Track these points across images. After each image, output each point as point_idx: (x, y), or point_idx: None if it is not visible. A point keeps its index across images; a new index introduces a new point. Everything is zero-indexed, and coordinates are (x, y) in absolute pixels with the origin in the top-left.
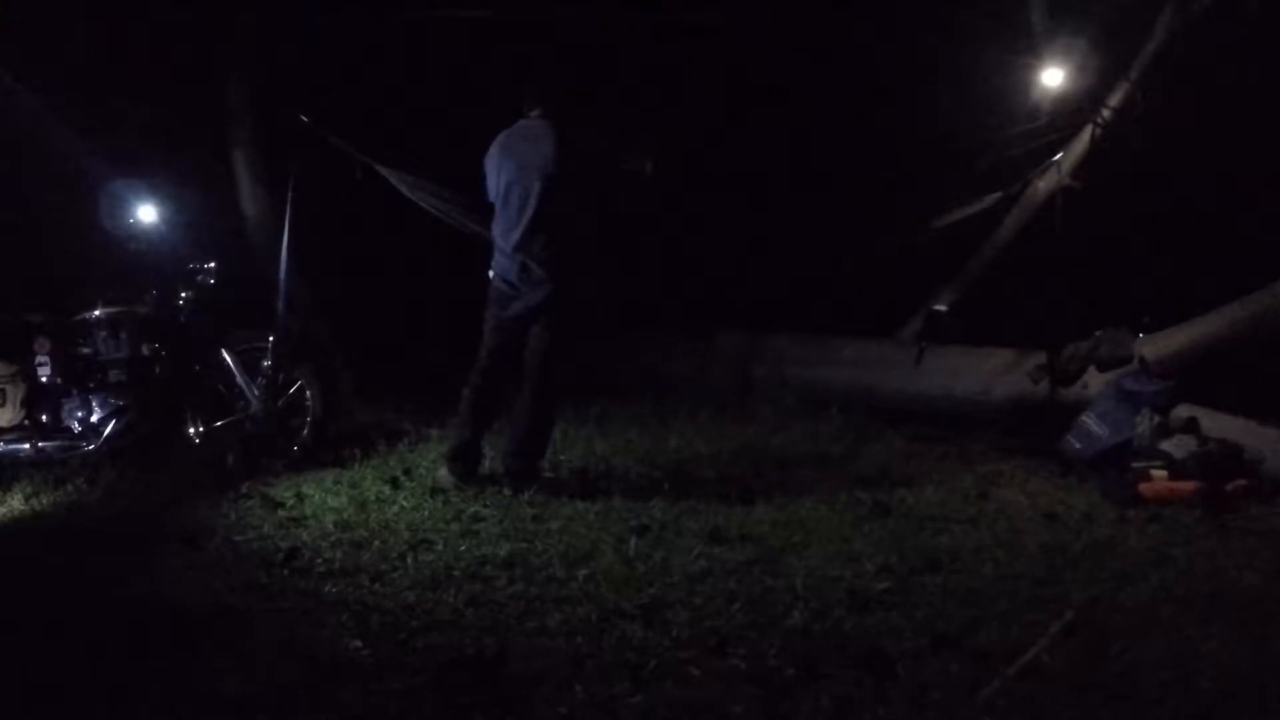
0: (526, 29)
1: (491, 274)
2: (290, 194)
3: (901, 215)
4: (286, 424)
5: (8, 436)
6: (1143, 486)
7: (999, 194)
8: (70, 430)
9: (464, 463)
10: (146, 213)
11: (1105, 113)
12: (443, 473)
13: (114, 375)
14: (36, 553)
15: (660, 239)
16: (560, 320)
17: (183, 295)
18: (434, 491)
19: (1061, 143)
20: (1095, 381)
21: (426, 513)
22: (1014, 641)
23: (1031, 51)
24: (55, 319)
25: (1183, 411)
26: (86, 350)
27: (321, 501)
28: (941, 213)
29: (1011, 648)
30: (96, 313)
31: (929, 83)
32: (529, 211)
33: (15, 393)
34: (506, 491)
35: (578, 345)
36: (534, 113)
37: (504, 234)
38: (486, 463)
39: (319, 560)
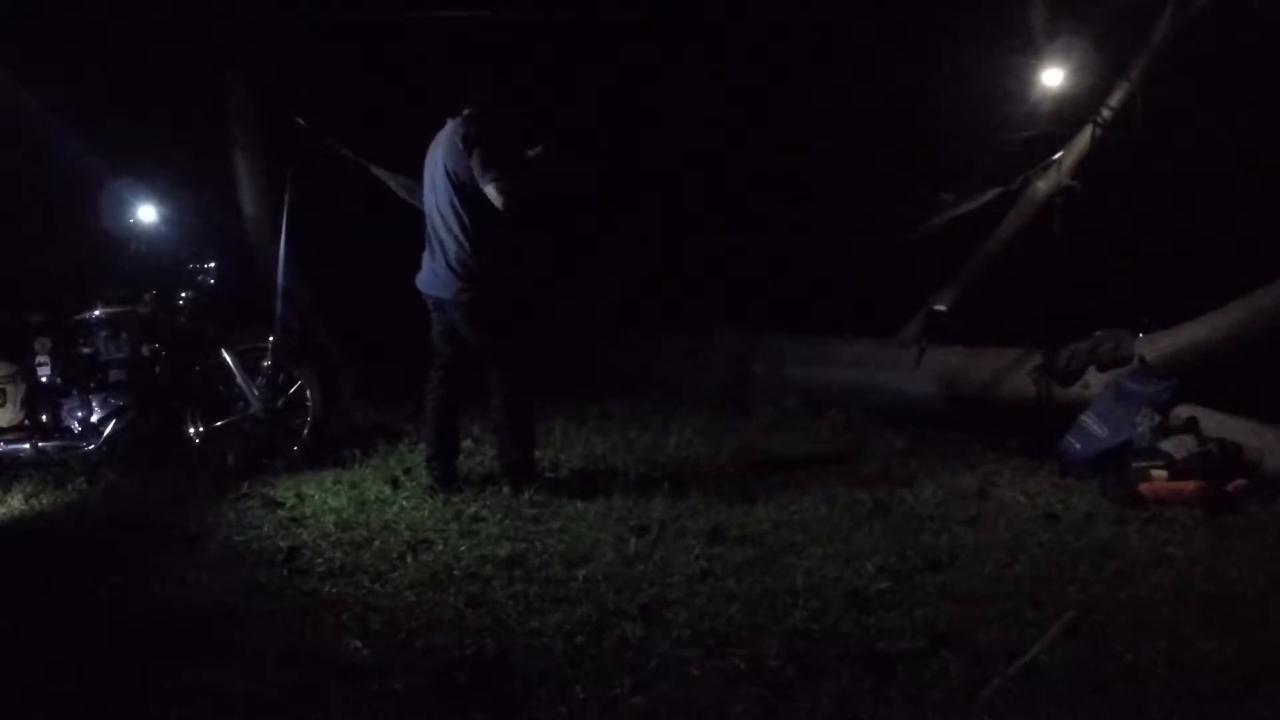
0: (526, 29)
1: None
2: (288, 194)
3: (899, 214)
4: (286, 424)
5: (8, 436)
6: (1143, 486)
7: (998, 190)
8: (70, 430)
9: (440, 466)
10: (146, 213)
11: (1105, 113)
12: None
13: (114, 375)
14: (37, 553)
15: (661, 239)
16: (483, 326)
17: (183, 295)
18: (433, 491)
19: (1061, 142)
20: (1095, 381)
21: (426, 513)
22: (1014, 641)
23: (1031, 51)
24: (55, 319)
25: (1183, 411)
26: (86, 350)
27: (321, 501)
28: (940, 210)
29: (1011, 648)
30: (96, 313)
31: (929, 82)
32: (441, 215)
33: (15, 393)
34: (506, 490)
35: (522, 338)
36: (464, 112)
37: (426, 241)
38: (486, 461)
39: (319, 560)
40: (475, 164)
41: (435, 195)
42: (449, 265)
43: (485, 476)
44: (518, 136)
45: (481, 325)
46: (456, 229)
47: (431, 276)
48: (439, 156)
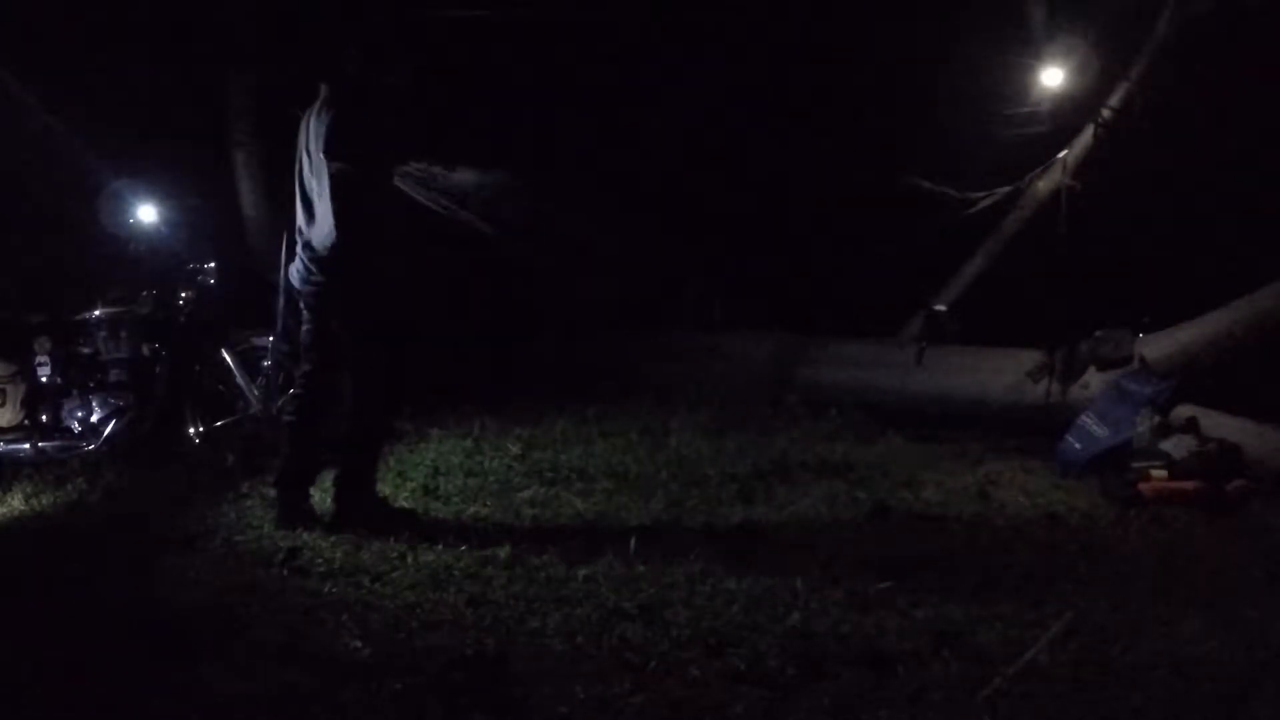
0: (523, 28)
1: None
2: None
3: (902, 214)
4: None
5: (8, 436)
6: (1143, 486)
7: (1008, 188)
8: (70, 430)
9: (290, 494)
10: (146, 213)
11: (1106, 113)
12: None
13: (114, 375)
14: (37, 553)
15: (661, 239)
16: (342, 320)
17: (183, 295)
18: (431, 491)
19: (1063, 141)
20: (1095, 381)
21: (427, 513)
22: (1014, 641)
23: (1031, 51)
24: (55, 319)
25: (1183, 411)
26: (86, 350)
27: (321, 501)
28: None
29: (1011, 648)
30: (96, 313)
31: (931, 83)
32: (302, 199)
33: (15, 393)
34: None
35: (391, 340)
36: (334, 82)
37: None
38: (486, 461)
39: (319, 560)
40: (328, 134)
41: (301, 171)
42: (304, 246)
43: (485, 475)
44: (389, 121)
45: (341, 318)
46: (316, 205)
47: (295, 262)
48: (307, 125)
